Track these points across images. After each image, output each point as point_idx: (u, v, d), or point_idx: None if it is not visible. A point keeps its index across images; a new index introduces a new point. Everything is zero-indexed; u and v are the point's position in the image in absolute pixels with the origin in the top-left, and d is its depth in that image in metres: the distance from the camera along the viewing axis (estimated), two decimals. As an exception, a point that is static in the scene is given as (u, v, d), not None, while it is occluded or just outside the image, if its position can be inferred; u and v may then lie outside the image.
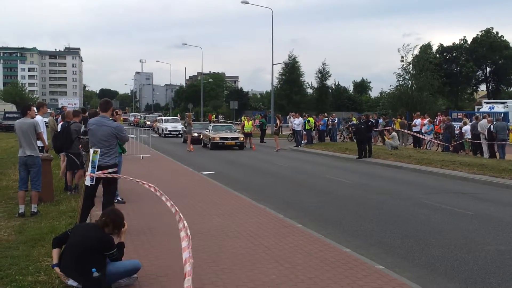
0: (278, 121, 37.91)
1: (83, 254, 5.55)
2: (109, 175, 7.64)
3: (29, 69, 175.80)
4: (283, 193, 13.66)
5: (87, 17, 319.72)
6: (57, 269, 5.74)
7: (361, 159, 22.47)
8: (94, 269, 5.46)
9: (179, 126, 43.08)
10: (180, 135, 39.87)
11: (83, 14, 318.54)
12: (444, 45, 75.54)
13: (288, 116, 41.08)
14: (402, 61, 43.65)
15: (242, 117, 36.13)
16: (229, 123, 47.08)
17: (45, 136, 12.57)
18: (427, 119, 28.79)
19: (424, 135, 28.12)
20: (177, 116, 58.97)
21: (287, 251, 7.45)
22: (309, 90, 67.52)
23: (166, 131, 43.80)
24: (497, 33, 74.54)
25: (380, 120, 32.12)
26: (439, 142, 26.59)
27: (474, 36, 74.96)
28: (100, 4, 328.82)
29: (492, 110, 35.78)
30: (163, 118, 51.21)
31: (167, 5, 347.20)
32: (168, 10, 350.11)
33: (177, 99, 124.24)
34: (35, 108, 11.21)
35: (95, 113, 10.14)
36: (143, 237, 8.18)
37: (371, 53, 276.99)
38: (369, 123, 23.92)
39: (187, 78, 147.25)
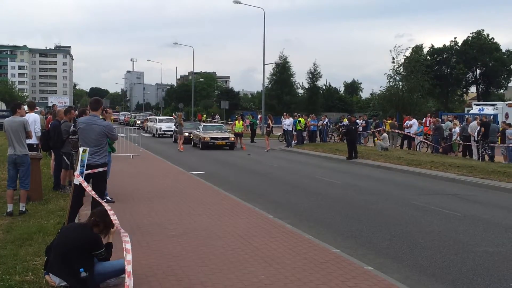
0: (270, 121, 37.85)
1: (71, 254, 5.51)
2: (99, 200, 6.91)
3: (19, 67, 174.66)
4: (273, 193, 13.65)
5: (80, 15, 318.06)
6: (48, 277, 5.68)
7: (351, 160, 22.54)
8: (82, 269, 5.42)
9: (173, 126, 42.64)
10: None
11: (76, 12, 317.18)
12: (435, 47, 75.80)
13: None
14: (393, 62, 43.77)
15: (242, 117, 36.08)
16: (220, 123, 46.91)
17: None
18: (413, 120, 28.92)
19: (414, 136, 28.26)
20: (171, 116, 58.19)
21: (276, 252, 7.45)
22: (300, 91, 67.63)
23: (160, 131, 42.85)
24: (488, 35, 74.84)
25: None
26: (429, 142, 26.73)
27: (465, 38, 75.27)
28: (93, 2, 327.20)
29: (482, 112, 35.99)
30: (157, 118, 50.10)
31: (159, 4, 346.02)
32: (160, 9, 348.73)
33: (168, 99, 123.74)
34: (25, 107, 11.16)
35: (84, 112, 10.08)
36: (132, 236, 8.11)
37: (363, 54, 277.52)
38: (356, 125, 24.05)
39: (178, 77, 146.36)
